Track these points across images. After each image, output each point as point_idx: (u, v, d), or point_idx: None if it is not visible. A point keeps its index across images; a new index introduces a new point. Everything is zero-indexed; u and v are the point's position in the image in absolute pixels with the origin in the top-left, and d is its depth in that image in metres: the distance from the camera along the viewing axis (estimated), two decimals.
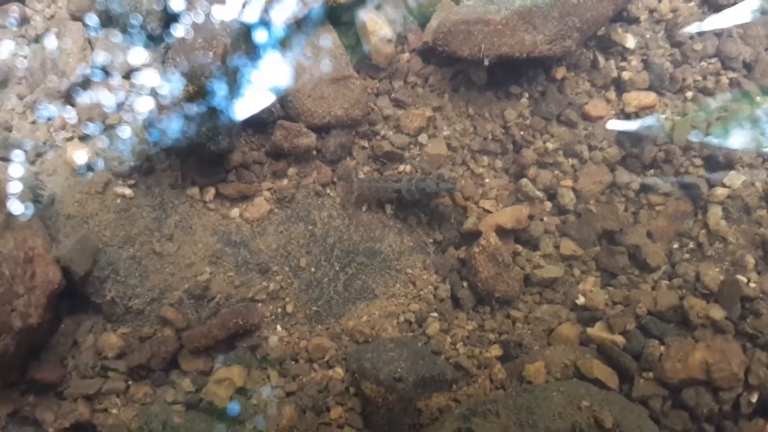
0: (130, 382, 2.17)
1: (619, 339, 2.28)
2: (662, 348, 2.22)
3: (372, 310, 2.37)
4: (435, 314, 2.38)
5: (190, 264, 2.28)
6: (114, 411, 2.13)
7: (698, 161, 2.47)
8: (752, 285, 2.27)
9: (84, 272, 2.19)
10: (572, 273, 2.44)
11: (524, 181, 2.51)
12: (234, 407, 2.15)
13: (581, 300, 2.39)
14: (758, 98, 2.49)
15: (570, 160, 2.53)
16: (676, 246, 2.43)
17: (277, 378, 2.23)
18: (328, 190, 2.42)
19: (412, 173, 2.44)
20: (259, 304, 2.28)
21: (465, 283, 2.43)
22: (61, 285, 2.14)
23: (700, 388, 2.16)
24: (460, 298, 2.41)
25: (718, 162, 2.46)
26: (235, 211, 2.36)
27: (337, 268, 2.38)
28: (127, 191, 2.33)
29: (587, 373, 2.23)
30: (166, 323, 2.21)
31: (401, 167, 2.48)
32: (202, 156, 2.30)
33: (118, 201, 2.32)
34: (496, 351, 2.35)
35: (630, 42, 2.55)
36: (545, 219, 2.50)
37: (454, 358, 2.31)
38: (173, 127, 2.26)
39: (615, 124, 2.50)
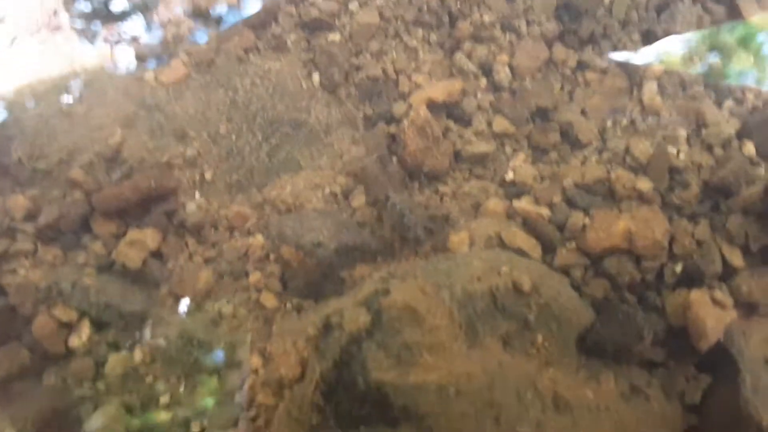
0: (38, 244, 2.11)
1: (545, 211, 2.25)
2: (586, 219, 2.21)
3: (296, 181, 2.30)
4: (361, 187, 2.34)
5: (100, 126, 2.19)
6: (22, 272, 2.07)
7: (636, 36, 2.43)
8: (682, 156, 2.24)
9: None
10: (503, 150, 2.39)
11: (459, 55, 2.44)
12: (148, 270, 2.12)
13: (510, 176, 2.34)
14: None
15: (507, 34, 2.46)
16: (609, 123, 2.39)
17: (195, 244, 2.19)
18: (251, 56, 2.32)
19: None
20: (176, 170, 2.21)
21: (394, 158, 2.38)
22: None
23: (623, 257, 2.15)
24: (389, 172, 2.37)
25: (657, 37, 2.42)
26: (149, 74, 2.26)
27: (260, 138, 2.30)
28: (35, 48, 2.22)
29: (510, 242, 2.20)
30: (76, 185, 2.13)
31: (330, 36, 2.40)
32: (116, 13, 2.19)
33: (25, 58, 2.21)
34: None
35: None
36: (479, 95, 2.43)
37: (379, 231, 2.28)
38: None
39: None
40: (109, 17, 2.23)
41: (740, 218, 2.13)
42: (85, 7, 2.20)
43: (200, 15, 2.28)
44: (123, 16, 2.23)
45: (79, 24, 2.22)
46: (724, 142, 2.25)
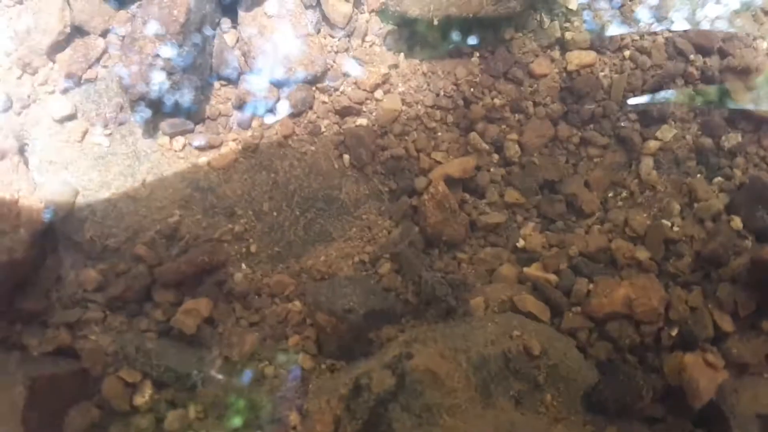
0: (107, 312, 2.40)
1: (552, 277, 2.49)
2: (590, 285, 2.44)
3: (329, 251, 2.58)
4: (387, 256, 2.61)
5: (161, 207, 2.49)
6: (93, 337, 2.35)
7: (633, 116, 2.66)
8: (676, 229, 2.47)
9: (65, 213, 2.43)
10: (515, 219, 2.65)
11: (473, 134, 2.70)
12: (201, 335, 2.40)
13: (521, 243, 2.59)
14: (692, 56, 2.66)
15: (516, 115, 2.72)
16: (610, 194, 2.63)
17: (241, 310, 2.48)
18: (290, 141, 2.62)
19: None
20: (225, 244, 2.51)
21: (416, 229, 2.65)
22: (44, 224, 2.36)
23: (623, 322, 2.38)
24: (411, 242, 2.63)
25: (652, 117, 2.65)
26: (203, 160, 2.57)
27: (297, 213, 2.59)
28: (104, 140, 2.55)
29: (522, 307, 2.44)
30: (140, 260, 2.43)
31: (358, 120, 2.69)
32: (171, 108, 2.51)
33: (95, 149, 2.54)
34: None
35: (573, 3, 2.72)
36: (492, 170, 2.69)
37: (404, 294, 2.53)
38: (144, 81, 2.46)
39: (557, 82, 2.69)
40: (166, 112, 2.55)
41: (729, 287, 2.35)
42: (147, 104, 2.51)
43: (245, 108, 2.59)
44: (179, 110, 2.54)
45: (142, 118, 2.54)
46: (714, 216, 2.47)
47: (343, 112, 2.69)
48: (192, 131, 2.56)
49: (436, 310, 2.41)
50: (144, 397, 2.32)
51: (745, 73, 2.64)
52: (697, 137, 2.65)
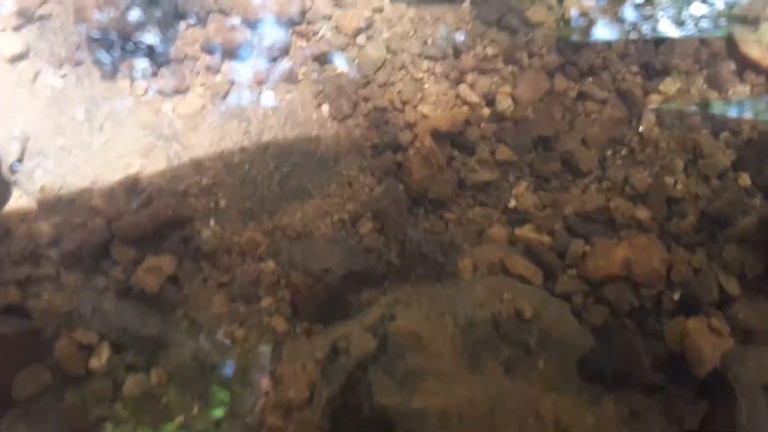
0: (61, 269, 2.19)
1: (546, 239, 2.32)
2: (587, 247, 2.27)
3: (306, 209, 2.38)
4: (369, 214, 2.42)
5: (120, 156, 2.29)
6: (45, 296, 2.15)
7: (635, 68, 2.49)
8: (679, 186, 2.31)
9: (14, 159, 2.21)
10: (506, 178, 2.46)
11: (463, 86, 2.51)
12: (164, 295, 2.20)
13: (513, 203, 2.42)
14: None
15: (509, 66, 2.53)
16: (609, 152, 2.45)
17: (209, 269, 2.28)
18: (264, 89, 2.41)
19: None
20: (192, 198, 2.30)
21: (401, 186, 2.47)
22: None
23: (622, 284, 2.21)
24: (396, 200, 2.44)
25: (655, 69, 2.48)
26: (167, 106, 2.36)
27: (272, 167, 2.39)
28: (58, 82, 2.32)
29: (512, 269, 2.27)
30: (97, 213, 2.22)
31: (338, 68, 2.49)
32: (133, 48, 2.29)
33: (48, 91, 2.32)
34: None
35: None
36: (482, 125, 2.50)
37: (386, 255, 2.35)
38: (103, 19, 2.25)
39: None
40: (128, 52, 2.33)
41: (736, 247, 2.20)
42: (106, 43, 2.30)
43: (214, 50, 2.38)
44: (142, 51, 2.33)
45: (100, 59, 2.33)
46: (721, 172, 2.31)
47: (322, 59, 2.49)
48: (156, 74, 2.35)
49: (423, 269, 2.24)
50: (101, 360, 2.11)
51: (754, 22, 2.49)
52: (703, 90, 2.49)
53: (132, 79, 2.35)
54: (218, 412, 2.05)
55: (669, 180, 2.33)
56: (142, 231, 2.21)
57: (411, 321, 2.09)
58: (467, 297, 2.21)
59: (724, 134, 2.39)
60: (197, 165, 2.32)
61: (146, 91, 2.36)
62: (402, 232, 2.32)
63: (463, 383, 2.00)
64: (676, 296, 2.21)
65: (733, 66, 2.49)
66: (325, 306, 2.25)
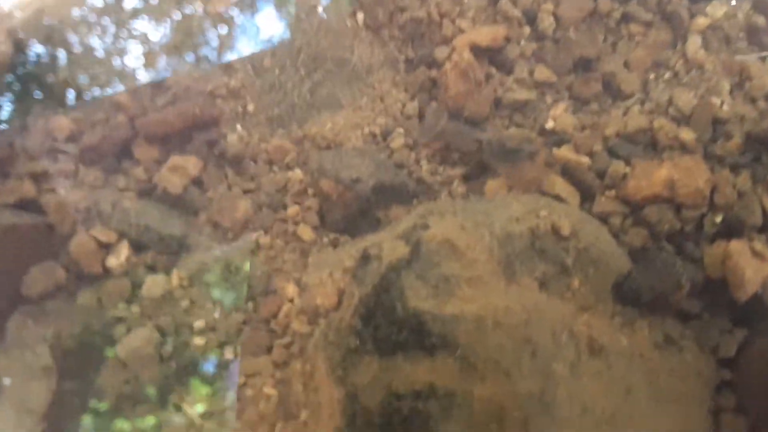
0: (80, 166, 2.11)
1: (585, 159, 2.22)
2: (627, 168, 2.18)
3: (336, 119, 2.29)
4: (401, 130, 2.33)
5: (147, 51, 2.19)
6: (62, 192, 2.07)
7: None
8: (725, 108, 2.22)
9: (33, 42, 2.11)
10: (544, 99, 2.37)
11: (504, 1, 2.41)
12: (188, 197, 2.12)
13: (550, 124, 2.32)
14: None
15: None
16: (652, 76, 2.36)
17: (234, 175, 2.19)
18: None
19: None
20: (219, 100, 2.21)
21: (434, 103, 2.37)
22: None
23: (663, 206, 2.12)
24: (426, 116, 2.36)
25: None
26: (198, 4, 2.26)
27: (303, 74, 2.29)
28: None
29: (549, 189, 2.18)
30: (120, 109, 2.13)
31: None
32: None
33: None
34: (460, 170, 2.33)
35: None
36: (522, 43, 2.39)
37: (417, 173, 2.26)
38: None
39: None
40: None
41: None
42: None
43: None
44: None
45: None
46: (767, 95, 2.23)
47: None
48: None
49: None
50: (119, 258, 2.03)
51: None
52: (750, 15, 2.38)
53: None
54: (239, 317, 1.99)
55: (715, 101, 2.24)
56: (168, 129, 2.12)
57: (445, 229, 2.00)
58: (503, 211, 2.11)
59: None
60: (226, 66, 2.23)
61: None
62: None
63: (498, 292, 1.91)
64: (719, 219, 2.10)
65: None
66: (354, 217, 2.16)
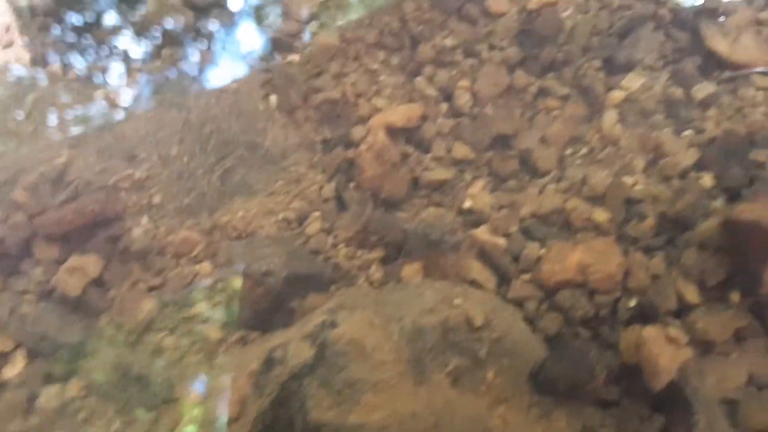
0: None
1: (501, 241, 2.20)
2: (542, 250, 2.16)
3: (249, 206, 2.24)
4: (317, 213, 2.29)
5: (47, 145, 2.13)
6: None
7: (598, 63, 2.38)
8: (639, 187, 2.20)
9: None
10: (462, 177, 2.34)
11: (420, 79, 2.39)
12: (88, 298, 2.04)
13: (468, 204, 2.30)
14: None
15: (468, 59, 2.41)
16: (569, 151, 2.35)
17: (139, 271, 2.13)
18: (206, 75, 2.26)
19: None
20: (123, 193, 2.15)
21: (352, 184, 2.34)
22: None
23: (576, 291, 2.09)
24: (345, 199, 2.32)
25: (618, 64, 2.37)
26: (99, 92, 2.20)
27: (213, 160, 2.24)
28: None
29: (466, 275, 2.15)
30: (19, 207, 2.06)
31: (289, 56, 2.34)
32: (65, 26, 2.13)
33: None
34: (378, 253, 2.29)
35: None
36: (439, 120, 2.37)
37: (334, 258, 2.22)
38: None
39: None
40: (60, 36, 2.17)
41: (696, 252, 2.08)
42: (38, 25, 2.14)
43: (151, 35, 2.22)
44: (74, 32, 2.16)
45: (31, 42, 2.16)
46: (682, 172, 2.20)
47: (271, 46, 2.36)
48: (89, 58, 2.19)
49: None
50: (16, 368, 1.96)
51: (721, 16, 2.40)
52: (667, 87, 2.37)
53: (64, 64, 2.19)
54: (140, 428, 1.90)
55: (628, 180, 2.23)
56: (67, 228, 2.05)
57: (353, 328, 1.95)
58: (416, 302, 2.07)
59: (687, 132, 2.28)
60: (131, 157, 2.16)
61: (78, 76, 2.19)
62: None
63: (406, 396, 1.87)
64: (633, 303, 2.08)
65: (699, 61, 2.42)
66: (265, 313, 2.11)
